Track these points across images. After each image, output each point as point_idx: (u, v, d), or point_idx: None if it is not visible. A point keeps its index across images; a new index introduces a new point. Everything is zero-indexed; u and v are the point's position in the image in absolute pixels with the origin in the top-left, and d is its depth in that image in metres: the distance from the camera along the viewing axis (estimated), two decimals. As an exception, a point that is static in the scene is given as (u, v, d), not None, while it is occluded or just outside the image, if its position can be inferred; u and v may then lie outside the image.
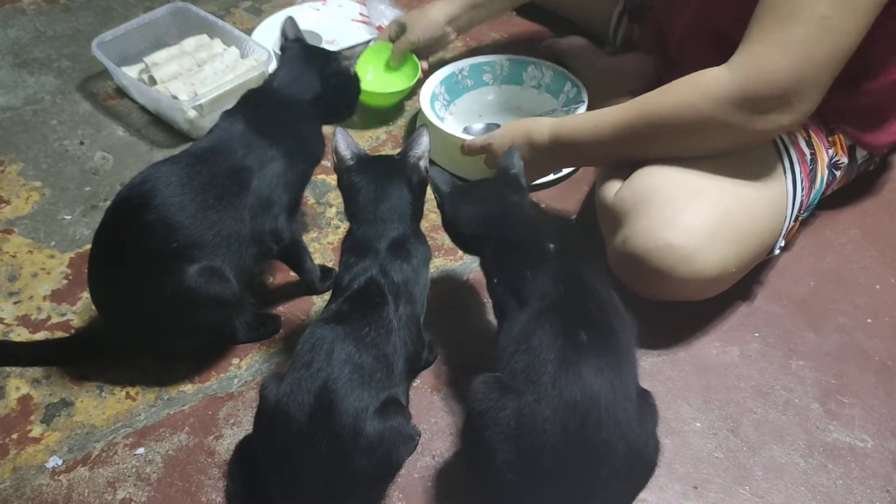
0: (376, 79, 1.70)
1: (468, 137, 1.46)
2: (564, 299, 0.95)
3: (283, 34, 1.31)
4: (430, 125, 1.50)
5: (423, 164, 1.09)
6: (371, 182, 1.08)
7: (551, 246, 1.02)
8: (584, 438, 0.87)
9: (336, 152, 1.10)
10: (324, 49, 1.32)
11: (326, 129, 1.27)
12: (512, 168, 1.13)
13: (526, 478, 0.89)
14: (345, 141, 1.10)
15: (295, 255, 1.26)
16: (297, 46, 1.29)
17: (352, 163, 1.09)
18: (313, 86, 1.25)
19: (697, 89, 1.10)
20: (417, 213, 1.11)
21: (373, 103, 1.64)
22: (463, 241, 1.13)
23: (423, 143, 1.09)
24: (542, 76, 1.65)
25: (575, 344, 0.90)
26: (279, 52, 1.32)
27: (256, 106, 1.21)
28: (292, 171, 1.19)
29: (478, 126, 1.59)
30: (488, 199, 1.11)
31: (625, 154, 1.23)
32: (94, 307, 1.21)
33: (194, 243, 1.09)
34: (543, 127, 1.29)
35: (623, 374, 0.90)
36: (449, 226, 1.13)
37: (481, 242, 1.08)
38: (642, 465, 0.92)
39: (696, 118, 1.11)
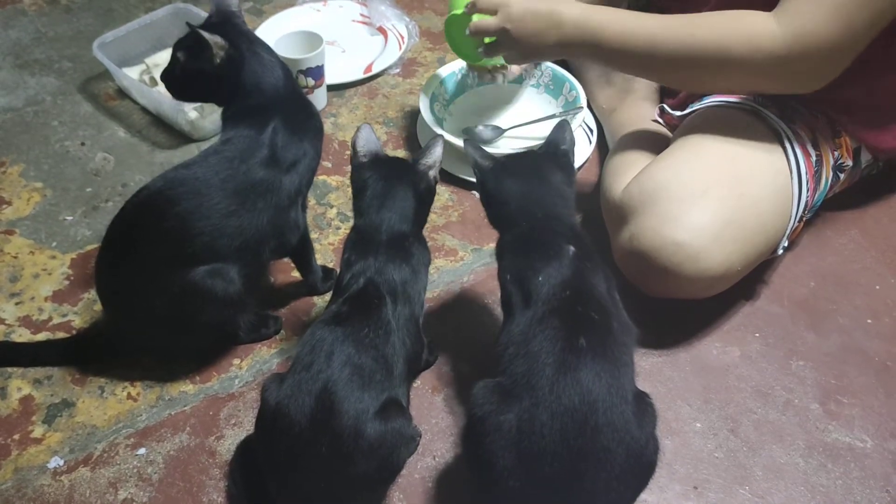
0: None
1: (459, 142, 1.45)
2: (568, 304, 0.94)
3: (211, 15, 1.22)
4: (425, 121, 1.51)
5: (432, 173, 1.10)
6: (379, 180, 1.09)
7: (571, 248, 0.99)
8: (583, 444, 0.87)
9: (353, 145, 1.11)
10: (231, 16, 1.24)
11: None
12: (562, 143, 1.10)
13: (527, 483, 0.89)
14: (365, 137, 1.11)
15: (306, 248, 1.27)
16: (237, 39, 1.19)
17: (365, 160, 1.10)
18: (276, 58, 1.22)
19: (744, 36, 1.09)
20: (420, 219, 1.11)
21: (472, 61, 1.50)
22: (500, 216, 1.08)
23: (436, 153, 1.10)
24: (542, 75, 1.65)
25: (574, 349, 0.90)
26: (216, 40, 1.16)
27: (267, 107, 1.18)
28: (313, 160, 1.20)
29: (480, 128, 1.59)
30: (534, 178, 1.07)
31: (642, 71, 1.25)
32: (95, 308, 1.22)
33: (210, 249, 1.10)
34: (569, 14, 1.20)
35: (620, 377, 0.90)
36: (490, 199, 1.09)
37: (512, 223, 1.05)
38: (642, 466, 0.92)
39: (737, 64, 1.11)
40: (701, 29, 1.12)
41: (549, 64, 1.64)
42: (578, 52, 1.27)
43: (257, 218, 1.13)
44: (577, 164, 1.51)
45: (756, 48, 1.08)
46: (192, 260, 1.10)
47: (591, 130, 1.58)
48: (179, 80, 1.21)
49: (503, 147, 1.55)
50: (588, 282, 0.97)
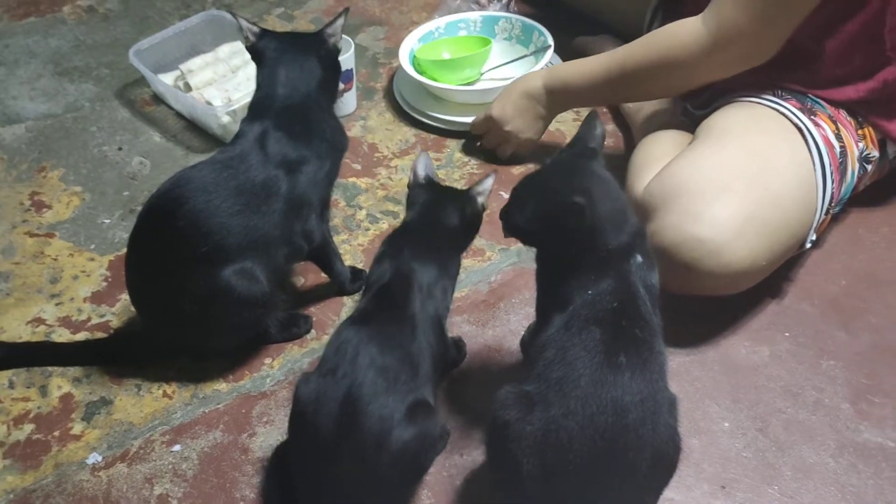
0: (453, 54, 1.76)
1: (436, 85, 1.61)
2: (613, 317, 0.90)
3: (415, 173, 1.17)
4: (405, 72, 1.65)
5: (480, 199, 1.12)
6: (429, 199, 1.12)
7: (639, 257, 0.94)
8: (611, 461, 0.87)
9: (413, 171, 1.14)
10: (306, 35, 1.29)
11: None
12: (591, 141, 0.99)
13: (551, 493, 0.89)
14: (424, 164, 1.14)
15: (325, 255, 1.28)
16: (274, 41, 1.25)
17: (423, 182, 1.13)
18: (315, 73, 1.23)
19: (677, 41, 1.25)
20: (463, 243, 1.14)
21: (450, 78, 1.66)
22: (595, 247, 0.94)
23: (487, 183, 1.13)
24: (513, 28, 1.79)
25: (613, 365, 0.87)
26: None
27: (274, 108, 1.20)
28: (321, 170, 1.21)
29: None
30: (616, 195, 0.97)
31: (610, 96, 1.46)
32: (132, 309, 1.25)
33: (224, 247, 1.11)
34: (536, 78, 1.45)
35: (656, 395, 0.89)
36: (586, 239, 0.94)
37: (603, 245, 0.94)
38: (663, 469, 0.92)
39: (677, 65, 1.26)
40: (646, 48, 1.30)
41: (519, 16, 1.78)
42: (559, 108, 1.49)
43: (262, 221, 1.14)
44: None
45: (690, 50, 1.23)
46: (212, 259, 1.11)
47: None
48: None
49: (482, 87, 1.69)
50: (638, 296, 0.92)
